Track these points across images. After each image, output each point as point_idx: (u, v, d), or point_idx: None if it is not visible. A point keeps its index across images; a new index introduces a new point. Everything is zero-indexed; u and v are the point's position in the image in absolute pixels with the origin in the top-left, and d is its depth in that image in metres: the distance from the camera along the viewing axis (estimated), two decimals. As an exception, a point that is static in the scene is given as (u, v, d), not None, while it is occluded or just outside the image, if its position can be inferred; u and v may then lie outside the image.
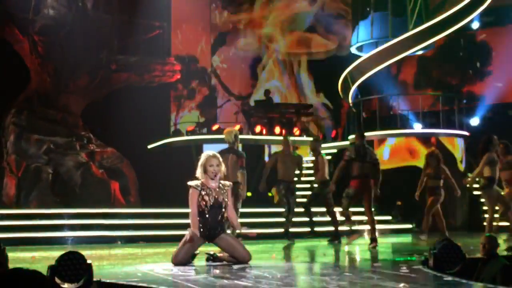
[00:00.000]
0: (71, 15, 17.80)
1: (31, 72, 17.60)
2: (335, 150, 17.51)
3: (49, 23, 17.39)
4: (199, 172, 7.26)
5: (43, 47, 17.56)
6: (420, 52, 17.72)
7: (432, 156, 11.56)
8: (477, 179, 11.62)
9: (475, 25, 19.67)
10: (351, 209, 11.09)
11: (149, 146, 18.54)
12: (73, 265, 5.49)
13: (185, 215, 12.64)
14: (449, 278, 6.09)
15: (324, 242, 11.53)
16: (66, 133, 16.96)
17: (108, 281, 5.91)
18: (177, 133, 19.71)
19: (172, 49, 20.70)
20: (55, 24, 17.50)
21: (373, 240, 10.40)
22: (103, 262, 8.04)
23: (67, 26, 17.71)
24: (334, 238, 11.51)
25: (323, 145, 18.47)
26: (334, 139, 19.47)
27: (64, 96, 17.75)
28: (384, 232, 13.59)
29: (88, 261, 5.64)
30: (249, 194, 11.86)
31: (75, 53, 17.49)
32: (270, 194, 12.85)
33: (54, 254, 5.80)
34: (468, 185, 12.38)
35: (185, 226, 12.02)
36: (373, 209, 10.66)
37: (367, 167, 10.50)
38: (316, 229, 12.21)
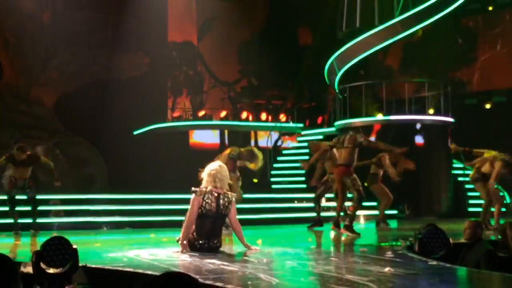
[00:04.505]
0: (42, 11, 18.01)
1: (2, 66, 17.85)
2: (321, 137, 17.55)
3: (20, 19, 17.52)
4: (206, 181, 7.23)
5: (14, 43, 17.82)
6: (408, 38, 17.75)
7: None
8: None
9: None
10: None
11: (135, 133, 18.49)
12: (58, 250, 5.49)
13: (172, 201, 12.73)
14: (434, 263, 6.14)
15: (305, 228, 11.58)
16: (36, 124, 17.40)
17: (94, 266, 5.91)
18: (177, 119, 19.54)
19: (170, 36, 20.74)
20: (26, 20, 17.63)
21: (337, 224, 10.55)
22: (89, 247, 8.03)
23: (38, 22, 17.94)
24: (316, 224, 11.58)
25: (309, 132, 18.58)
26: (320, 126, 19.50)
27: (35, 89, 18.05)
28: (369, 218, 13.67)
29: (74, 246, 5.64)
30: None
31: (46, 48, 17.79)
32: (255, 181, 12.93)
33: (40, 239, 5.79)
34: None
35: (171, 212, 12.08)
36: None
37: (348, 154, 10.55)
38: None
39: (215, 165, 7.36)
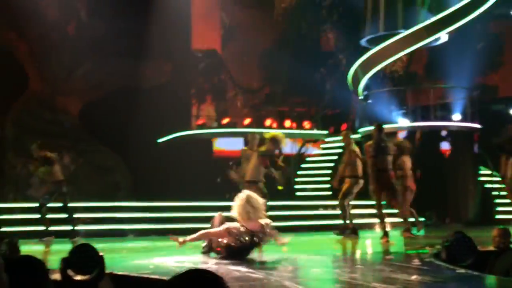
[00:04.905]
0: (66, 21, 18.34)
1: (29, 75, 18.15)
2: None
3: (45, 29, 17.78)
4: (239, 215, 7.06)
5: (40, 52, 18.09)
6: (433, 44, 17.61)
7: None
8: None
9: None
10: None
11: (159, 141, 18.58)
12: (85, 258, 5.51)
13: (196, 208, 12.75)
14: (462, 271, 6.06)
15: (336, 236, 11.49)
16: (61, 133, 17.57)
17: (120, 273, 5.93)
18: (201, 127, 19.62)
19: (194, 43, 20.85)
20: (51, 30, 17.90)
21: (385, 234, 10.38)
22: (115, 254, 8.06)
23: (62, 32, 18.25)
24: (347, 231, 11.40)
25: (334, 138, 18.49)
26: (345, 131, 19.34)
27: (60, 98, 18.31)
28: (396, 226, 13.55)
29: (100, 254, 5.66)
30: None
31: (70, 57, 18.05)
32: (280, 188, 12.85)
33: (67, 247, 5.82)
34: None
35: (195, 220, 12.10)
36: (383, 202, 10.62)
37: (386, 160, 10.47)
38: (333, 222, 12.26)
39: (243, 197, 7.14)
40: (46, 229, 10.75)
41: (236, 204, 7.14)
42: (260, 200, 7.21)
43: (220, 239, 7.10)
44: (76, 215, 11.44)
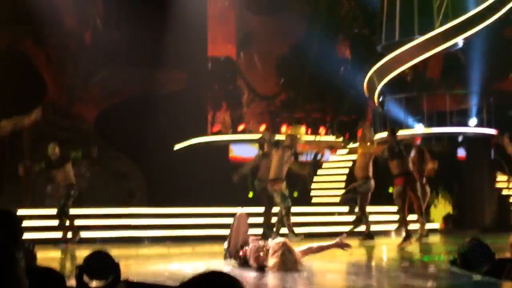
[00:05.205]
0: (83, 30, 18.48)
1: (47, 83, 18.29)
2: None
3: (62, 37, 17.95)
4: (274, 264, 6.50)
5: (56, 60, 18.24)
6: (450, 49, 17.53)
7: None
8: None
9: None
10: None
11: (176, 147, 18.64)
12: (100, 264, 5.52)
13: (212, 215, 12.78)
14: (478, 278, 6.01)
15: (353, 242, 11.42)
16: (77, 139, 17.66)
17: (135, 280, 5.95)
18: (216, 134, 19.63)
19: (209, 50, 20.91)
20: (68, 38, 18.09)
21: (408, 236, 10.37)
22: (130, 261, 8.09)
23: (79, 40, 18.40)
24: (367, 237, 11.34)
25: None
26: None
27: (77, 105, 18.44)
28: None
29: (116, 260, 5.68)
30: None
31: (87, 65, 18.18)
32: (295, 194, 12.82)
33: (82, 253, 5.85)
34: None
35: (211, 226, 12.14)
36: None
37: (407, 163, 10.45)
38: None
39: (279, 244, 6.62)
40: (74, 232, 10.82)
41: (273, 254, 6.59)
42: (293, 250, 6.67)
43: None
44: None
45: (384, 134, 15.99)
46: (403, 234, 10.53)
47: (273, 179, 10.74)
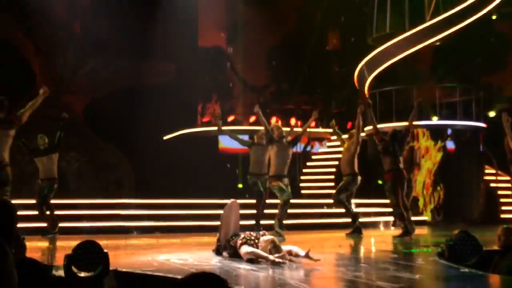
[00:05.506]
0: (72, 20, 18.41)
1: (35, 73, 18.21)
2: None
3: (51, 28, 17.82)
4: (263, 249, 6.66)
5: (46, 51, 18.15)
6: (438, 43, 17.57)
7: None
8: None
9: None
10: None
11: (165, 138, 18.60)
12: (89, 254, 5.52)
13: (201, 206, 12.78)
14: (466, 270, 6.05)
15: (341, 234, 11.47)
16: (66, 130, 17.65)
17: (124, 270, 5.95)
18: (206, 125, 19.58)
19: (199, 42, 20.84)
20: (57, 29, 17.97)
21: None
22: (119, 251, 8.08)
23: (68, 31, 18.30)
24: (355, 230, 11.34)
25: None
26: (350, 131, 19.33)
27: (66, 96, 18.29)
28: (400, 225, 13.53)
29: (105, 251, 5.67)
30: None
31: (76, 55, 18.11)
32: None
33: (71, 243, 5.84)
34: None
35: (200, 217, 12.14)
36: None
37: (398, 161, 10.53)
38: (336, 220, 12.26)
39: (267, 242, 6.71)
40: (52, 226, 10.79)
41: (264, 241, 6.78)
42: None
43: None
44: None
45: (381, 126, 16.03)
46: (401, 229, 10.61)
47: (274, 176, 10.66)
